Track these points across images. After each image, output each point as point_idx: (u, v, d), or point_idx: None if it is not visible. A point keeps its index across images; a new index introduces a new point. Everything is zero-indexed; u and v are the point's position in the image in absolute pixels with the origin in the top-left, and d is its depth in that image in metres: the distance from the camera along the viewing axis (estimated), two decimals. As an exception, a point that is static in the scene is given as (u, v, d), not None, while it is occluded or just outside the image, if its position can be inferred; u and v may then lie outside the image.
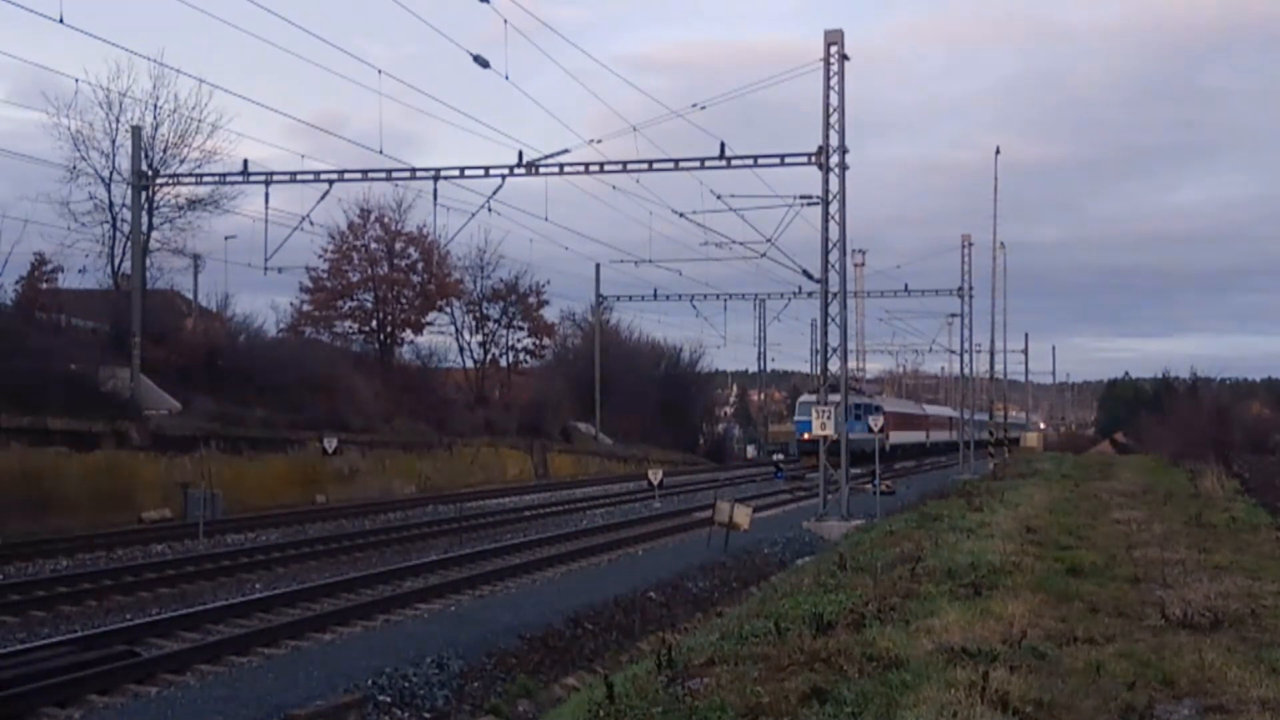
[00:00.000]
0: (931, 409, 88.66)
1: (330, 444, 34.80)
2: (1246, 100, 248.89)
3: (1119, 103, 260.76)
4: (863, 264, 73.08)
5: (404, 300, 53.45)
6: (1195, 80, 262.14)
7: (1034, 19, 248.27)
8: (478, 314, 59.78)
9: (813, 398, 56.91)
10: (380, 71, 25.57)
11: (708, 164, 28.13)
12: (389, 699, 10.61)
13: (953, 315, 61.74)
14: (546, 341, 64.73)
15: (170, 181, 36.13)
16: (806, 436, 56.80)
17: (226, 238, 43.63)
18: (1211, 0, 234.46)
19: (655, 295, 54.45)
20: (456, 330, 58.82)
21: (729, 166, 28.07)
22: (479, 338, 60.07)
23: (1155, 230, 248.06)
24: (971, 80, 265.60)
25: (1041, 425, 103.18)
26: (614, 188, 29.90)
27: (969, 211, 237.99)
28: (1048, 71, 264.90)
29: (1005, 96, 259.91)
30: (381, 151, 28.00)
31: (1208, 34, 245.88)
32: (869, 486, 34.18)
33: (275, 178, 30.46)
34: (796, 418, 59.02)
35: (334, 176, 30.38)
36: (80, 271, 38.30)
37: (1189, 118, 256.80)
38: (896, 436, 65.19)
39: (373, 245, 53.33)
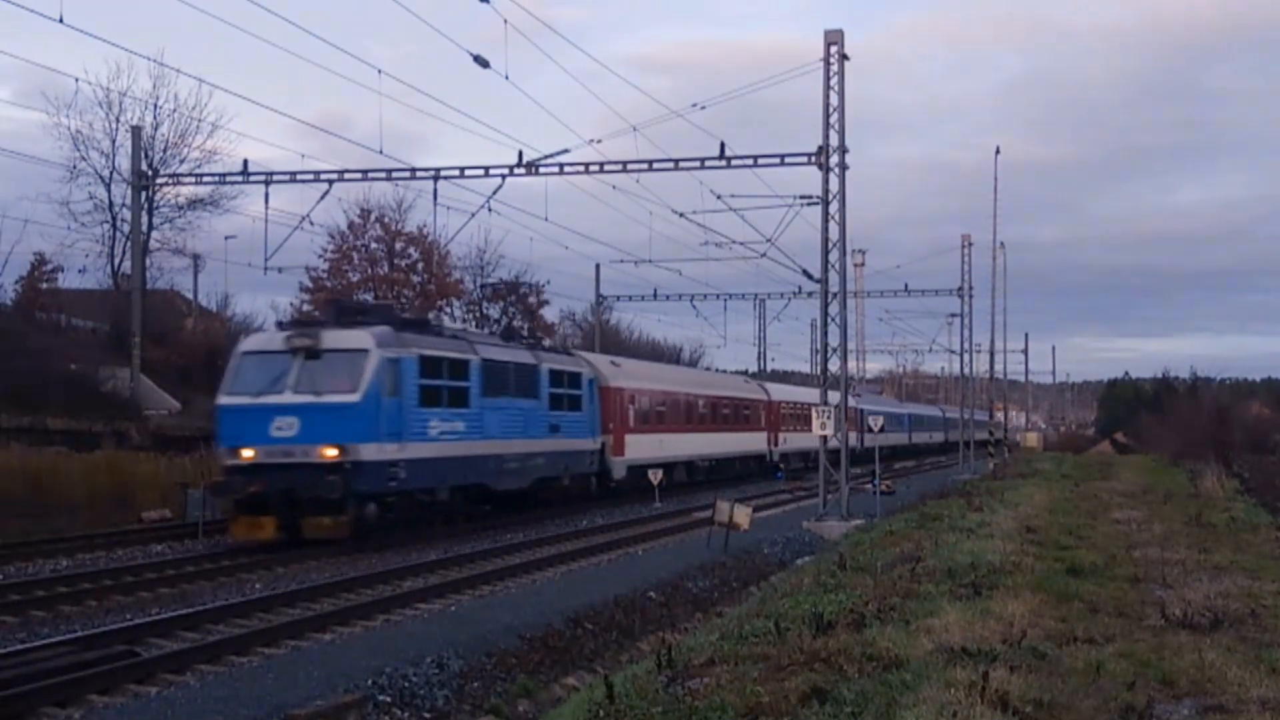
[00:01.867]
0: (800, 391, 57.31)
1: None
2: (1247, 100, 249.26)
3: (1119, 103, 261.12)
4: (863, 264, 73.28)
5: (404, 300, 53.47)
6: (1196, 80, 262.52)
7: (1034, 19, 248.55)
8: (478, 314, 59.76)
9: (277, 338, 23.45)
10: (380, 71, 25.57)
11: (708, 164, 28.14)
12: (389, 699, 10.61)
13: (953, 315, 61.75)
14: (547, 341, 64.72)
15: (170, 181, 36.24)
16: (247, 455, 21.67)
17: (226, 238, 43.74)
18: (1212, 1, 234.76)
19: (655, 295, 54.41)
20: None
21: (729, 166, 28.09)
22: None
23: (1155, 230, 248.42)
24: (972, 80, 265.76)
25: (1026, 425, 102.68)
26: (614, 188, 29.92)
27: (970, 211, 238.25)
28: (1048, 72, 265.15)
29: (1006, 97, 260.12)
30: (381, 151, 28.04)
31: (1208, 34, 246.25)
32: (869, 486, 34.16)
33: (275, 178, 30.48)
34: (224, 399, 22.95)
35: (334, 176, 30.38)
36: (80, 271, 38.44)
37: (1190, 118, 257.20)
38: (690, 443, 38.88)
39: (373, 245, 53.41)
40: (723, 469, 42.64)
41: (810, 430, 49.09)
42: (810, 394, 57.11)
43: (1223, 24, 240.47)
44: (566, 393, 29.51)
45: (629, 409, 34.26)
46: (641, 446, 34.72)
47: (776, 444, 48.85)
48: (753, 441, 46.19)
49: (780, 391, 52.42)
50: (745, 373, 72.36)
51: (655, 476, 32.82)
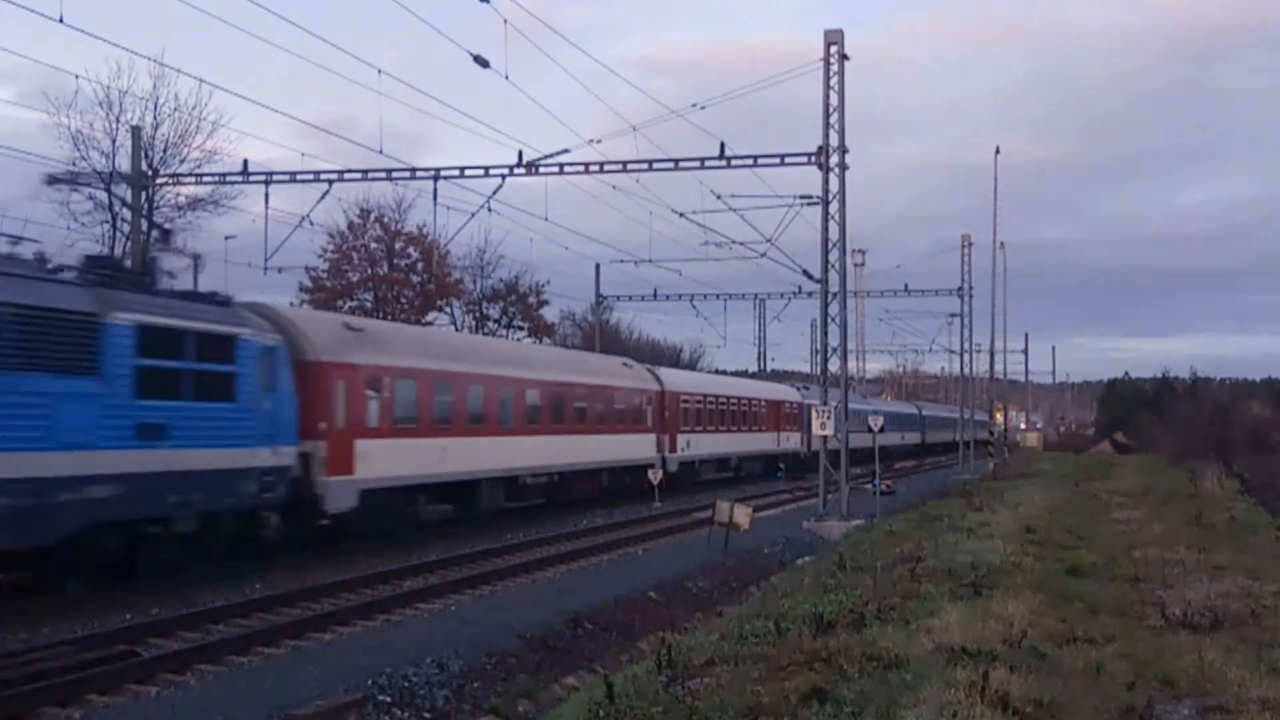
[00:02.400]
0: (713, 381, 48.93)
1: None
2: (1253, 100, 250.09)
3: (1124, 103, 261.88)
4: (863, 264, 73.26)
5: (404, 300, 53.48)
6: (1201, 81, 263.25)
7: (1039, 20, 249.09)
8: (478, 314, 59.80)
9: None
10: (380, 71, 25.46)
11: (708, 164, 28.10)
12: (389, 699, 10.62)
13: (953, 315, 61.75)
14: (546, 341, 64.77)
15: (170, 181, 36.12)
16: None
17: (226, 237, 43.57)
18: (1216, 2, 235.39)
19: (655, 295, 54.42)
20: (456, 330, 58.93)
21: (729, 166, 28.05)
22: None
23: (1159, 231, 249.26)
24: (976, 81, 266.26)
25: (1026, 425, 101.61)
26: (614, 188, 29.88)
27: (973, 211, 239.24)
28: (1053, 72, 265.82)
29: (1010, 97, 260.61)
30: (381, 151, 27.95)
31: (1214, 35, 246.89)
32: (869, 486, 34.16)
33: (275, 178, 30.43)
34: None
35: (334, 176, 30.34)
36: (80, 271, 38.30)
37: (1194, 118, 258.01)
38: (506, 450, 27.26)
39: (373, 245, 53.46)
40: (575, 485, 31.36)
41: (730, 431, 42.91)
42: (728, 385, 48.88)
43: (1228, 24, 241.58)
44: (193, 368, 17.59)
45: (368, 399, 22.49)
46: (396, 457, 22.95)
47: (673, 449, 37.93)
48: (630, 446, 34.57)
49: (680, 380, 41.62)
50: (746, 373, 72.08)
51: (655, 477, 32.82)
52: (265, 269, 31.58)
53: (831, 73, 26.48)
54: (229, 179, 33.37)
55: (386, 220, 53.05)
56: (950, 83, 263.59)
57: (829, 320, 28.11)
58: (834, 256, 27.17)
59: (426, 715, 10.65)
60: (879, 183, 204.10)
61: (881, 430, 32.72)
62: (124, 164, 35.82)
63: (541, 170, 28.43)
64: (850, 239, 27.45)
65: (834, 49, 26.51)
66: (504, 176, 28.80)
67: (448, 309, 57.31)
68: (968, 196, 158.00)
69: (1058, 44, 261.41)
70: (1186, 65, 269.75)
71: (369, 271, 53.12)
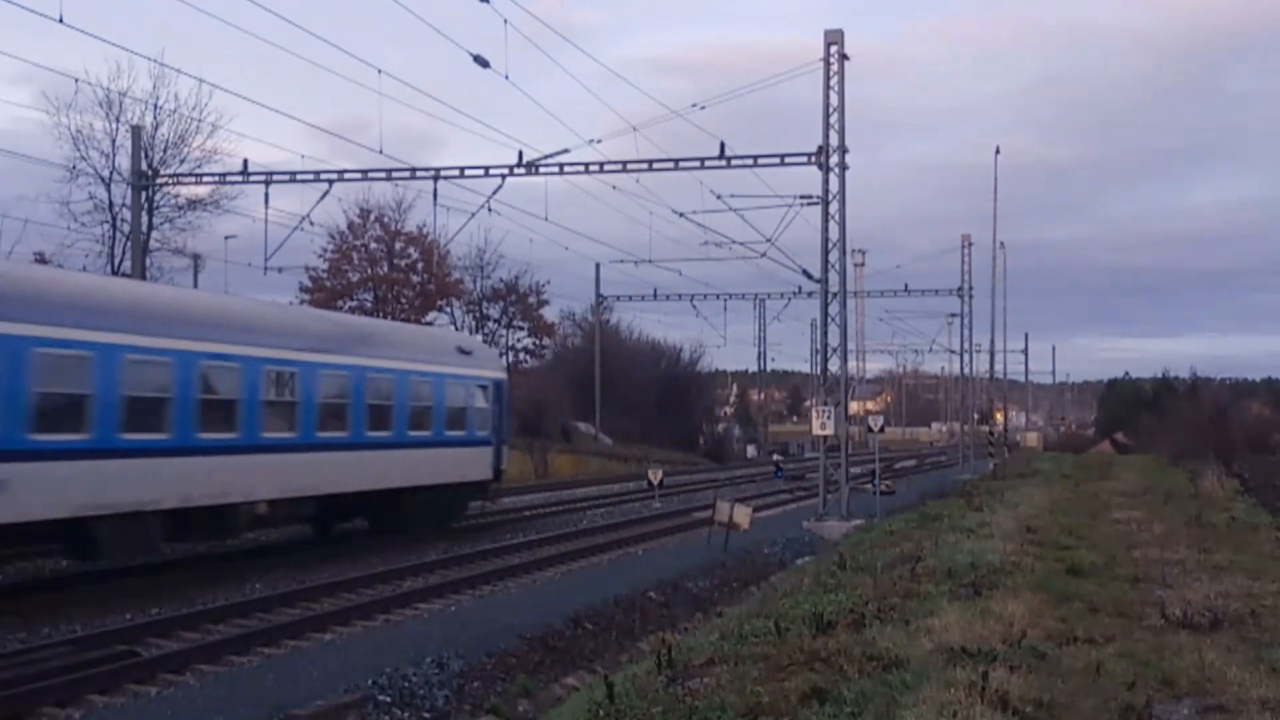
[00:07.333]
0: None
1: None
2: (1264, 102, 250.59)
3: (1135, 104, 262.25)
4: (862, 264, 73.21)
5: (404, 300, 53.51)
6: (1212, 82, 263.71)
7: (1051, 21, 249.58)
8: (478, 314, 59.83)
9: None
10: (380, 71, 25.47)
11: (708, 164, 28.11)
12: (389, 699, 10.62)
13: (953, 315, 61.71)
14: (546, 341, 64.83)
15: (170, 181, 36.14)
16: None
17: (226, 237, 43.62)
18: (1230, 3, 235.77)
19: (655, 295, 54.49)
20: (456, 330, 58.97)
21: (729, 166, 28.05)
22: (479, 337, 60.15)
23: (1165, 231, 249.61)
24: (987, 81, 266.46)
25: (1026, 425, 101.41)
26: (614, 188, 29.89)
27: (981, 212, 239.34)
28: (1064, 73, 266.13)
29: (1021, 98, 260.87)
30: (381, 151, 27.96)
31: (1226, 37, 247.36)
32: (869, 486, 34.17)
33: (275, 178, 30.44)
34: None
35: (334, 176, 30.35)
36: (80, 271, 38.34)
37: (1205, 119, 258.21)
38: None
39: (372, 245, 53.50)
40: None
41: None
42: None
43: (1240, 26, 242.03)
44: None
45: None
46: None
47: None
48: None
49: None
50: (745, 373, 71.91)
51: (655, 476, 32.83)
52: (265, 269, 31.63)
53: (831, 73, 26.48)
54: (229, 179, 33.42)
55: (386, 220, 53.14)
56: (958, 83, 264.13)
57: (829, 320, 28.11)
58: (834, 256, 27.16)
59: (426, 715, 10.64)
60: (890, 183, 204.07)
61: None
62: (124, 164, 35.88)
63: (541, 170, 28.44)
64: (850, 239, 27.48)
65: (834, 49, 26.51)
66: (504, 176, 28.82)
67: (448, 309, 57.38)
68: (972, 197, 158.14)
69: (1069, 44, 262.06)
70: (1197, 66, 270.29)
71: (369, 271, 53.18)
